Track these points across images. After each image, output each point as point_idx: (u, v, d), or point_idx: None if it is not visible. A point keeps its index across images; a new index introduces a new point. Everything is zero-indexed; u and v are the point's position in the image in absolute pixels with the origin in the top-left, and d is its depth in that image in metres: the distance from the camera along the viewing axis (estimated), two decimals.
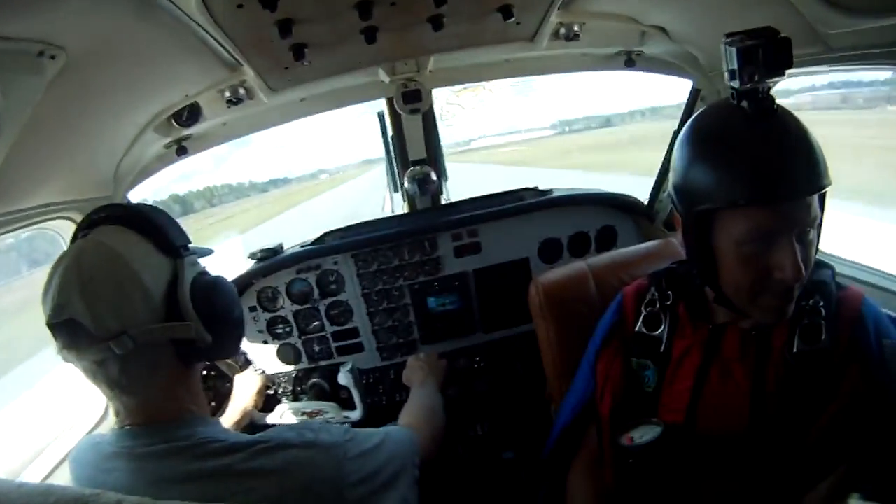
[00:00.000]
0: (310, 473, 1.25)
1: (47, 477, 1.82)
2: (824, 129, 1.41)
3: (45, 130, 1.51)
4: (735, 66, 1.20)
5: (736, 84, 1.22)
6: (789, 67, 1.18)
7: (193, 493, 1.15)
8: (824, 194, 1.29)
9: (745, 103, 1.24)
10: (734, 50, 1.19)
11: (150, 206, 1.39)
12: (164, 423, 1.24)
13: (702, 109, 1.41)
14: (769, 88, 1.22)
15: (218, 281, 1.35)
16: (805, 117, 1.26)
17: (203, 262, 1.39)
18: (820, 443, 1.29)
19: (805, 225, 1.24)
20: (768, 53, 1.17)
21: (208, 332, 1.26)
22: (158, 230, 1.27)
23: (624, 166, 18.12)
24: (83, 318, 1.12)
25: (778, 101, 1.25)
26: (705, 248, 1.36)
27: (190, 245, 1.34)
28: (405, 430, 1.64)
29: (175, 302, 1.22)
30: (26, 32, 1.19)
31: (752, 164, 1.22)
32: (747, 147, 1.23)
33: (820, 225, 1.32)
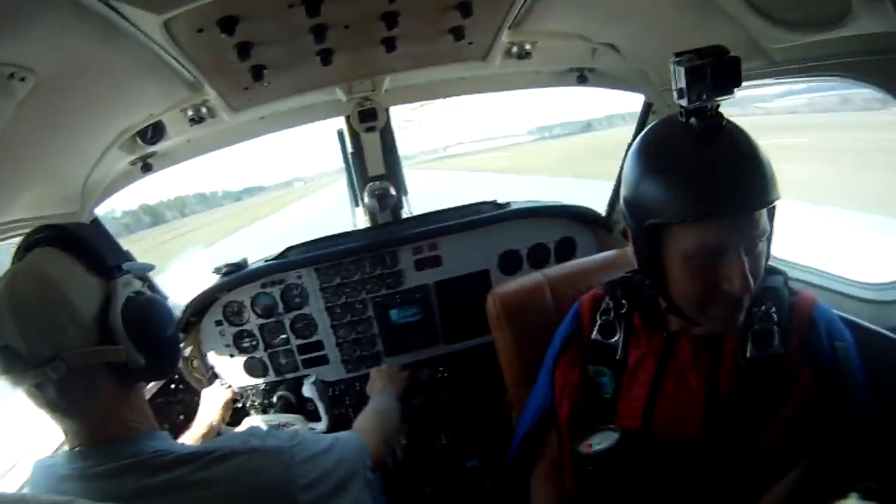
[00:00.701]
0: (257, 479, 1.26)
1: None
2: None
3: (13, 149, 1.53)
4: (683, 85, 1.23)
5: (684, 102, 1.24)
6: (737, 86, 1.21)
7: None
8: (774, 208, 1.32)
9: (693, 120, 1.26)
10: (682, 69, 1.22)
11: (86, 226, 1.38)
12: (110, 443, 1.25)
13: (651, 125, 1.44)
14: (717, 106, 1.25)
15: (151, 301, 1.35)
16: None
17: (169, 276, 1.39)
18: (774, 445, 1.32)
19: (753, 238, 1.27)
20: (716, 72, 1.19)
21: (141, 353, 1.26)
22: (90, 251, 1.27)
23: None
24: (16, 343, 1.13)
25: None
26: (655, 260, 1.38)
27: (127, 263, 1.35)
28: (354, 434, 1.67)
29: (106, 324, 1.23)
30: None
31: (700, 181, 1.24)
32: (695, 163, 1.26)
33: (770, 236, 1.35)
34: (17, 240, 1.88)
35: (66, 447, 1.29)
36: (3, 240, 1.83)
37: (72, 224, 1.40)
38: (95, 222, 2.40)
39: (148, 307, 1.33)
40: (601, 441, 1.46)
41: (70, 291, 1.19)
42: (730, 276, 1.26)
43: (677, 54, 1.25)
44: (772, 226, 1.35)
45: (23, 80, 1.30)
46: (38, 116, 1.51)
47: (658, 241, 1.36)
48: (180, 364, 2.73)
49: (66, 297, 1.18)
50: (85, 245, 1.27)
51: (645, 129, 1.44)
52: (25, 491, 1.41)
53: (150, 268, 1.66)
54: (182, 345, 2.74)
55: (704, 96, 1.21)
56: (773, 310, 1.41)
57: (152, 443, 1.28)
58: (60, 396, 1.19)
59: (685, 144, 1.28)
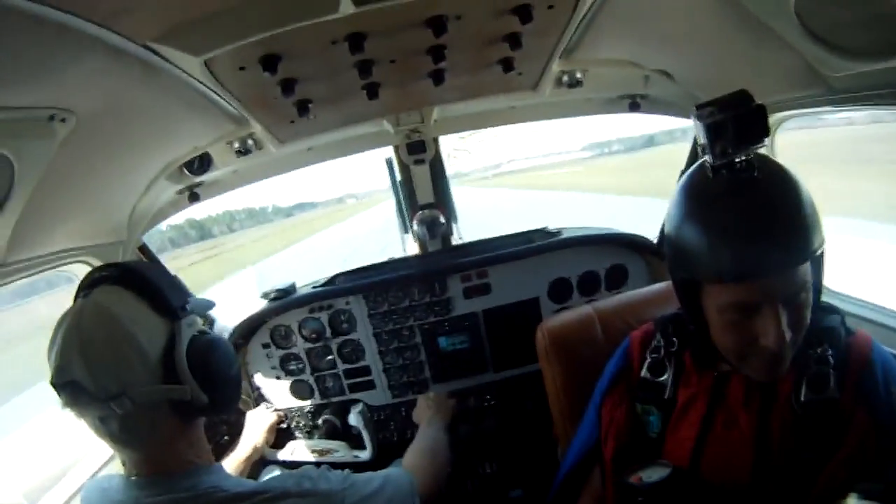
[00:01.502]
0: None
1: None
2: None
3: (59, 184, 1.57)
4: (704, 142, 1.19)
5: (709, 159, 1.20)
6: (765, 136, 1.16)
7: None
8: (821, 254, 1.27)
9: (724, 172, 1.21)
10: (702, 126, 1.18)
11: (149, 265, 1.41)
12: (167, 475, 1.28)
13: (691, 171, 1.37)
14: (748, 157, 1.20)
15: (214, 342, 1.37)
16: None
17: (213, 293, 1.41)
18: (827, 491, 1.26)
19: (791, 293, 1.22)
20: (740, 126, 1.15)
21: (205, 392, 1.28)
22: (156, 291, 1.30)
23: None
24: (83, 379, 1.16)
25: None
26: (695, 309, 1.36)
27: (189, 301, 1.37)
28: (405, 473, 1.66)
29: (172, 364, 1.26)
30: (36, 100, 1.25)
31: (729, 241, 1.21)
32: (725, 222, 1.22)
33: (818, 283, 1.30)
34: (67, 267, 1.96)
35: (121, 471, 1.33)
36: (51, 268, 1.89)
37: (136, 263, 1.43)
38: (144, 248, 2.45)
39: (211, 347, 1.35)
40: (652, 474, 1.42)
41: (137, 331, 1.22)
42: (765, 332, 1.22)
43: (698, 107, 1.21)
44: (819, 270, 1.31)
45: (63, 120, 1.34)
46: (82, 153, 1.56)
47: (695, 292, 1.34)
48: None
49: (134, 336, 1.21)
50: (150, 285, 1.30)
51: (686, 174, 1.38)
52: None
53: (212, 305, 1.69)
54: None
55: (730, 151, 1.17)
56: (830, 352, 1.35)
57: (208, 478, 1.31)
58: (122, 430, 1.22)
59: (714, 200, 1.25)
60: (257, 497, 1.26)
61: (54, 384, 1.19)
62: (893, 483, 1.17)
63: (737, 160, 1.19)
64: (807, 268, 1.23)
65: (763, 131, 1.16)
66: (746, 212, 1.20)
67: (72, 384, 1.17)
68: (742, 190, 1.20)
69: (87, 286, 1.31)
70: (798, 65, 1.54)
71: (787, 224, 1.19)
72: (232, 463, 2.39)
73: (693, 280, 1.32)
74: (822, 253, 1.28)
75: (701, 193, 1.29)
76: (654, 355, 1.59)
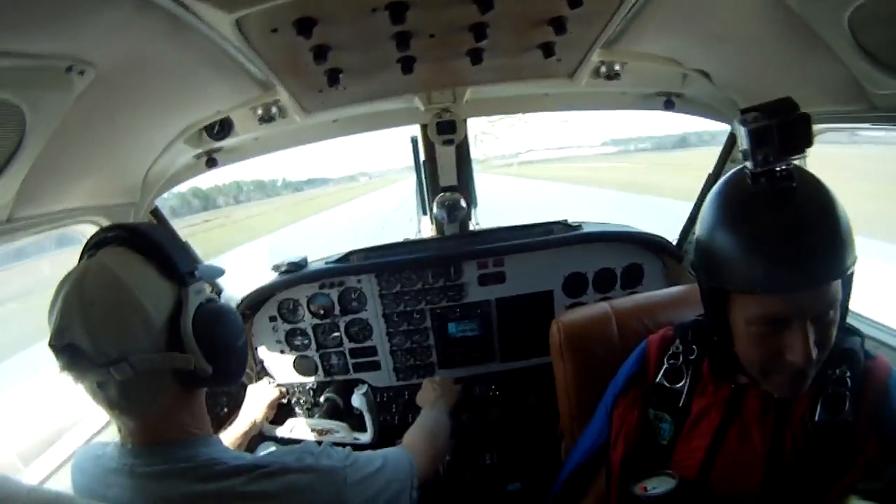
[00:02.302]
0: (308, 498, 1.26)
1: (47, 479, 1.83)
2: None
3: (72, 139, 1.52)
4: (746, 147, 1.16)
5: (750, 165, 1.18)
6: (808, 147, 1.13)
7: None
8: (851, 273, 1.24)
9: (763, 180, 1.18)
10: (745, 130, 1.15)
11: (158, 227, 1.37)
12: (165, 444, 1.25)
13: (728, 176, 1.34)
14: (789, 167, 1.17)
15: (222, 311, 1.34)
16: None
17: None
18: None
19: (822, 310, 1.20)
20: (785, 134, 1.12)
21: (209, 362, 1.25)
22: (164, 255, 1.26)
23: None
24: (83, 343, 1.12)
25: None
26: (720, 318, 1.34)
27: (198, 268, 1.33)
28: (405, 453, 1.64)
29: (177, 331, 1.22)
30: (54, 49, 1.20)
31: (764, 253, 1.19)
32: (760, 232, 1.20)
33: (846, 300, 1.28)
34: (76, 227, 1.93)
35: (117, 439, 1.30)
36: (59, 227, 1.86)
37: (145, 225, 1.39)
38: (156, 212, 2.43)
39: (218, 316, 1.32)
40: (658, 485, 1.42)
41: (142, 295, 1.19)
42: (792, 347, 1.20)
43: (743, 111, 1.18)
44: (848, 289, 1.28)
45: (81, 73, 1.29)
46: (100, 109, 1.51)
47: (723, 301, 1.32)
48: None
49: (138, 301, 1.18)
50: (158, 248, 1.27)
51: (723, 179, 1.36)
52: (67, 476, 1.40)
53: (221, 272, 1.66)
54: None
55: (772, 159, 1.15)
56: (848, 374, 1.33)
57: (206, 449, 1.28)
58: (122, 397, 1.19)
59: (752, 209, 1.22)
60: (256, 471, 1.24)
61: (52, 346, 1.15)
62: (893, 483, 1.16)
63: (777, 169, 1.16)
64: (838, 285, 1.21)
65: (807, 141, 1.13)
66: (784, 223, 1.18)
67: (70, 347, 1.13)
68: (781, 200, 1.18)
69: (94, 246, 1.27)
70: (842, 78, 1.50)
71: (824, 238, 1.17)
72: (229, 437, 2.37)
73: (722, 289, 1.29)
74: (853, 272, 1.25)
75: (738, 200, 1.26)
76: (671, 361, 1.57)
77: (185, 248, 1.36)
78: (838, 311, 1.23)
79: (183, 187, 2.46)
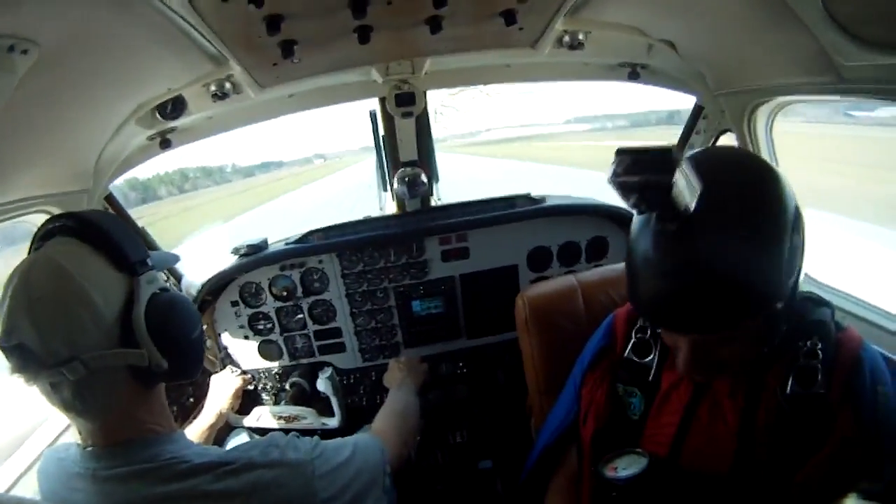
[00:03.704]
0: (277, 493, 1.23)
1: (13, 486, 1.79)
2: None
3: (18, 124, 1.46)
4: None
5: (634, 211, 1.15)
6: (681, 211, 1.03)
7: None
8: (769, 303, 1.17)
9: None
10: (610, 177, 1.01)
11: (108, 214, 1.31)
12: (125, 445, 1.21)
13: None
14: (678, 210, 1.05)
15: (175, 300, 1.29)
16: None
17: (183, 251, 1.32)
18: (806, 486, 1.24)
19: (706, 345, 1.21)
20: (646, 193, 1.00)
21: (164, 356, 1.21)
22: (113, 244, 1.21)
23: None
24: (32, 342, 1.08)
25: None
26: None
27: (150, 256, 1.28)
28: (374, 440, 1.61)
29: (129, 325, 1.17)
30: None
31: (642, 287, 1.19)
32: (645, 266, 1.17)
33: (768, 324, 1.23)
34: (28, 217, 1.87)
35: (78, 441, 1.26)
36: (10, 218, 1.79)
37: (93, 212, 1.33)
38: (110, 198, 2.36)
39: (172, 307, 1.27)
40: (628, 466, 1.41)
41: (90, 289, 1.13)
42: (677, 355, 1.27)
43: (618, 151, 1.00)
44: (765, 320, 1.21)
45: (24, 52, 1.22)
46: (45, 90, 1.44)
47: None
48: None
49: (87, 295, 1.13)
50: (107, 237, 1.21)
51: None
52: (34, 480, 1.36)
53: (176, 259, 1.62)
54: None
55: (640, 209, 1.12)
56: (819, 346, 1.31)
57: (169, 447, 1.24)
58: (76, 397, 1.14)
59: (647, 242, 1.17)
60: (220, 469, 1.21)
61: (1, 347, 1.10)
62: (893, 483, 1.16)
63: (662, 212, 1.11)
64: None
65: (678, 207, 1.02)
66: (670, 264, 1.13)
67: (20, 348, 1.08)
68: (671, 240, 1.12)
69: (41, 238, 1.22)
70: (811, 49, 1.50)
71: (709, 289, 1.11)
72: (195, 430, 2.33)
73: None
74: (762, 314, 1.18)
75: (641, 231, 1.21)
76: (639, 335, 1.56)
77: (137, 235, 1.31)
78: (745, 338, 1.22)
79: (119, 180, 2.36)
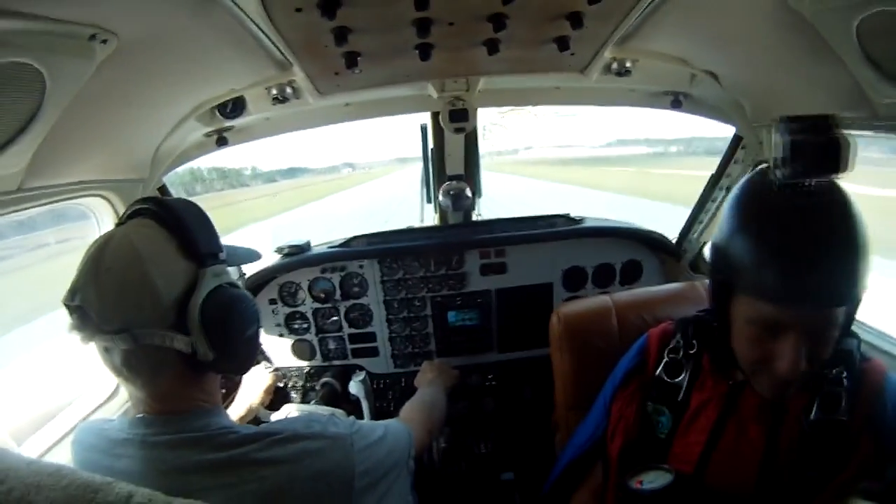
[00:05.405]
0: (319, 463, 1.27)
1: (45, 454, 1.79)
2: None
3: (87, 111, 1.51)
4: (784, 156, 1.14)
5: (780, 174, 1.16)
6: (845, 170, 1.12)
7: (206, 481, 1.18)
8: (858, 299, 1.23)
9: (788, 191, 1.18)
10: (787, 140, 1.13)
11: (191, 205, 1.37)
12: (175, 414, 1.25)
13: (752, 177, 1.32)
14: (819, 183, 1.16)
15: (236, 298, 1.31)
16: None
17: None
18: None
19: (820, 328, 1.20)
20: (824, 151, 1.11)
21: (213, 348, 1.23)
22: (187, 233, 1.26)
23: None
24: (91, 307, 1.14)
25: None
26: (723, 311, 1.35)
27: (224, 251, 1.33)
28: (403, 426, 1.66)
29: (185, 311, 1.21)
30: (80, 16, 1.19)
31: (777, 264, 1.17)
32: (774, 240, 1.18)
33: (850, 317, 1.27)
34: (84, 200, 1.92)
35: (117, 414, 1.29)
36: (67, 199, 1.85)
37: (178, 201, 1.38)
38: (163, 189, 2.42)
39: (230, 302, 1.29)
40: (654, 480, 1.42)
41: (156, 272, 1.18)
42: (782, 356, 1.21)
43: (783, 119, 1.17)
44: (853, 313, 1.27)
45: (104, 42, 1.28)
46: (117, 81, 1.50)
47: (728, 296, 1.32)
48: None
49: (150, 277, 1.17)
50: (183, 225, 1.26)
51: (747, 179, 1.34)
52: (69, 451, 1.39)
53: (257, 256, 1.64)
54: None
55: (804, 172, 1.14)
56: (844, 374, 1.34)
57: (218, 419, 1.29)
58: (124, 364, 1.19)
59: (774, 217, 1.20)
60: (268, 438, 1.25)
61: (66, 304, 1.17)
62: (893, 483, 1.18)
63: (806, 183, 1.15)
64: (839, 311, 1.20)
65: (844, 164, 1.12)
66: (803, 238, 1.15)
67: (80, 309, 1.15)
68: (804, 215, 1.15)
69: (129, 216, 1.29)
70: (847, 84, 1.51)
71: (842, 262, 1.14)
72: None
73: (729, 284, 1.30)
74: (860, 300, 1.24)
75: (761, 205, 1.24)
76: (671, 356, 1.58)
77: (211, 229, 1.35)
78: (839, 329, 1.23)
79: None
